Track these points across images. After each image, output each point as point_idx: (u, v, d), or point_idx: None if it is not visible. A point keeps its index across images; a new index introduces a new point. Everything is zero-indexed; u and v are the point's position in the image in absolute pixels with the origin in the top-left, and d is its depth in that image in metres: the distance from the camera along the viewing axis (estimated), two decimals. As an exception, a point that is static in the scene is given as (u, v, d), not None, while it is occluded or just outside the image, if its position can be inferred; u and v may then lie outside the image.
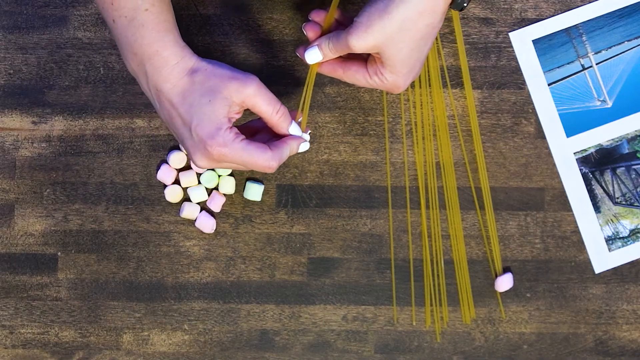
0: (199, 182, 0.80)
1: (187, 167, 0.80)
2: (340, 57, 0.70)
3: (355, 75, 0.69)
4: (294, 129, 0.68)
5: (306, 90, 0.71)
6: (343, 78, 0.70)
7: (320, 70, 0.71)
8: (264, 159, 0.65)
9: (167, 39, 0.65)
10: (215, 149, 0.64)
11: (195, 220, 0.80)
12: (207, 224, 0.79)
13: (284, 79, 0.80)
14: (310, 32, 0.70)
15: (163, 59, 0.65)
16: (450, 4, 0.66)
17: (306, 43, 0.70)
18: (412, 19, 0.64)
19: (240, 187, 0.80)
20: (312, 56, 0.69)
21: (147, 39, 0.65)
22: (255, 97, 0.65)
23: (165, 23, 0.66)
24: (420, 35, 0.65)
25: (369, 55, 0.69)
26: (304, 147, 0.70)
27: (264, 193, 0.80)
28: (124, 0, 0.64)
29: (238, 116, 0.66)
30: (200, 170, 0.80)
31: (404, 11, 0.64)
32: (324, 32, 0.70)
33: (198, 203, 0.80)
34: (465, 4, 0.66)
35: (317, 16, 0.71)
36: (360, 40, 0.65)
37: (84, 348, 0.80)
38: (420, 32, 0.65)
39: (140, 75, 0.66)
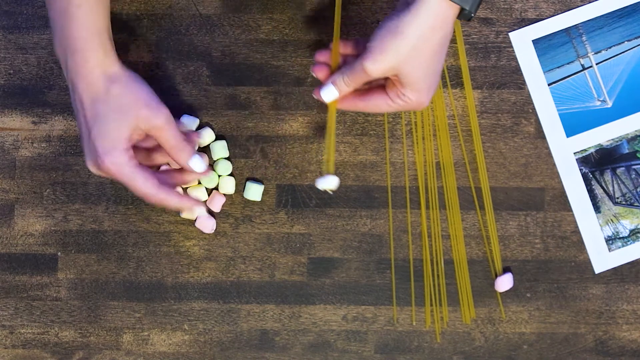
0: (199, 182, 0.80)
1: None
2: (357, 90, 0.69)
3: (377, 104, 0.69)
4: (194, 163, 0.69)
5: (329, 132, 0.71)
6: (365, 109, 0.70)
7: (341, 107, 0.70)
8: (145, 187, 0.67)
9: (93, 39, 0.66)
10: (105, 164, 0.65)
11: (195, 220, 0.79)
12: (207, 224, 0.79)
13: (284, 79, 0.80)
14: (319, 73, 0.70)
15: (84, 58, 0.66)
16: (459, 15, 0.66)
17: (321, 83, 0.70)
18: (426, 36, 0.64)
19: (240, 187, 0.80)
20: (329, 94, 0.69)
21: (74, 34, 0.66)
22: (161, 130, 0.67)
23: (96, 23, 0.66)
24: (435, 49, 0.65)
25: (386, 80, 0.68)
26: (199, 212, 0.74)
27: (264, 193, 0.80)
28: None
29: (139, 139, 0.68)
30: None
31: (417, 29, 0.63)
32: (334, 70, 0.70)
33: (198, 203, 0.80)
34: (472, 14, 0.66)
35: (322, 56, 0.71)
36: (376, 64, 0.65)
37: (84, 348, 0.80)
38: (435, 46, 0.65)
39: (62, 64, 0.68)
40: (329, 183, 0.71)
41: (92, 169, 0.67)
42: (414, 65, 0.65)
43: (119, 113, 0.66)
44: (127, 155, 0.66)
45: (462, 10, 0.65)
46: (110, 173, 0.66)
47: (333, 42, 0.71)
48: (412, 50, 0.64)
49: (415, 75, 0.65)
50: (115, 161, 0.65)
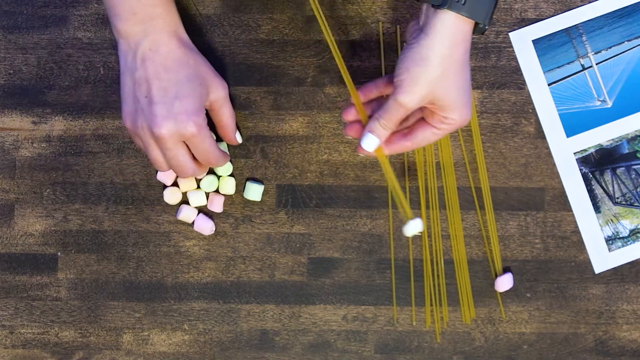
0: (198, 186, 0.80)
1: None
2: (398, 132, 0.69)
3: (425, 136, 0.68)
4: (238, 137, 0.77)
5: (391, 181, 0.70)
6: (415, 146, 0.69)
7: (389, 151, 0.70)
8: (212, 147, 0.71)
9: (170, 5, 0.69)
10: (190, 125, 0.68)
11: (192, 223, 0.79)
12: (205, 227, 0.79)
13: (284, 79, 0.80)
14: (352, 132, 0.70)
15: (166, 23, 0.68)
16: (474, 30, 0.66)
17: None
18: (449, 55, 0.64)
19: (240, 187, 0.80)
20: (370, 143, 0.68)
21: (153, 0, 0.67)
22: (225, 100, 0.73)
23: None
24: (461, 64, 0.65)
25: (423, 111, 0.68)
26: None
27: (264, 193, 0.80)
28: None
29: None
30: (199, 176, 0.80)
31: (440, 51, 0.63)
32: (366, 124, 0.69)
33: (196, 207, 0.80)
34: (486, 27, 0.65)
35: (350, 115, 0.71)
36: (411, 95, 0.64)
37: (84, 348, 0.80)
38: (460, 61, 0.65)
39: (132, 36, 0.68)
40: (414, 227, 0.69)
41: (169, 130, 0.68)
42: (446, 87, 0.65)
43: (200, 79, 0.69)
44: (205, 117, 0.69)
45: (476, 24, 0.65)
46: (193, 133, 0.68)
47: (352, 97, 0.70)
48: (441, 73, 0.64)
49: (451, 96, 0.65)
50: (199, 122, 0.68)
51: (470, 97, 0.68)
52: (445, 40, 0.63)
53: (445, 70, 0.64)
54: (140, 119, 0.68)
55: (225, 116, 0.74)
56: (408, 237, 0.79)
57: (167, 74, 0.68)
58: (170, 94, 0.67)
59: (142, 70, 0.68)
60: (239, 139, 0.78)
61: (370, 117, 0.70)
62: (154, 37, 0.68)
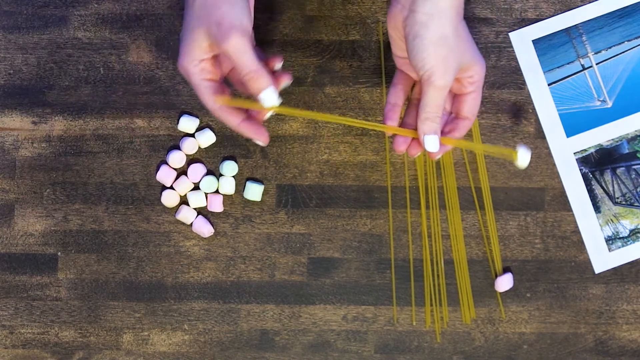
0: (198, 187, 0.80)
1: (184, 173, 0.80)
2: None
3: (468, 105, 0.68)
4: (265, 96, 0.65)
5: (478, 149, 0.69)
6: (472, 119, 0.68)
7: (456, 137, 0.68)
8: (205, 100, 0.66)
9: None
10: (178, 66, 0.66)
11: (191, 224, 0.79)
12: (203, 229, 0.79)
13: (284, 79, 0.80)
14: (402, 146, 0.68)
15: None
16: None
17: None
18: (454, 16, 0.64)
19: (240, 187, 0.80)
20: (432, 142, 0.66)
21: None
22: (230, 56, 0.64)
23: None
24: (461, 17, 0.65)
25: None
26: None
27: (264, 193, 0.80)
28: None
29: (207, 56, 0.66)
30: (195, 180, 0.80)
31: (447, 19, 0.63)
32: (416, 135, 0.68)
33: (195, 208, 0.80)
34: None
35: (391, 120, 0.69)
36: (447, 75, 0.63)
37: (84, 348, 0.80)
38: (460, 14, 0.65)
39: None
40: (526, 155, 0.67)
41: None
42: (463, 48, 0.65)
43: (196, 21, 0.65)
44: (198, 65, 0.65)
45: None
46: (182, 75, 0.66)
47: (390, 131, 0.68)
48: (456, 38, 0.63)
49: (469, 52, 0.65)
50: (185, 66, 0.65)
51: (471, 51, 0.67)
52: (443, 2, 0.63)
53: (457, 33, 0.64)
54: None
55: (238, 69, 0.64)
56: (408, 237, 0.79)
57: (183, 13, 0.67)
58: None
59: None
60: (268, 99, 0.65)
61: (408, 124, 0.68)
62: None
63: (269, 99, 0.65)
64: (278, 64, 0.69)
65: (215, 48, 0.65)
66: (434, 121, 0.65)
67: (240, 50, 0.63)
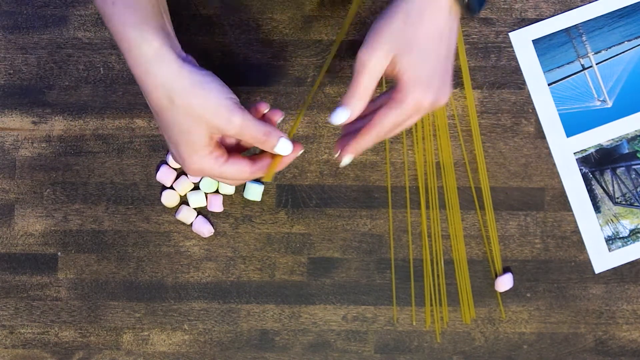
0: (198, 187, 0.80)
1: (184, 173, 0.80)
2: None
3: (382, 118, 0.61)
4: (280, 148, 0.62)
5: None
6: (377, 134, 0.62)
7: (358, 145, 0.62)
8: (239, 178, 0.63)
9: (146, 31, 0.60)
10: (190, 171, 0.61)
11: (191, 224, 0.79)
12: (203, 229, 0.79)
13: (284, 79, 0.80)
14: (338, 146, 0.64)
15: (139, 54, 0.60)
16: (462, 10, 0.62)
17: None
18: (421, 11, 0.58)
19: (240, 187, 0.80)
20: (340, 115, 0.61)
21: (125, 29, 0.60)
22: (237, 135, 0.61)
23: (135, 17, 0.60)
24: (438, 34, 0.59)
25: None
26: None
27: (264, 193, 0.80)
28: None
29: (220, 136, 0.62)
30: (195, 180, 0.80)
31: (408, 5, 0.58)
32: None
33: (195, 208, 0.80)
34: (477, 10, 0.61)
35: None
36: (372, 50, 0.58)
37: (84, 348, 0.80)
38: (437, 30, 0.59)
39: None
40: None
41: (190, 173, 0.62)
42: (411, 55, 0.58)
43: (189, 121, 0.59)
44: (211, 157, 0.61)
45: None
46: (201, 175, 0.62)
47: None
48: (405, 29, 0.58)
49: (414, 67, 0.58)
50: (199, 166, 0.61)
51: (445, 82, 0.61)
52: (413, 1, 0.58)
53: (414, 30, 0.58)
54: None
55: (249, 141, 0.62)
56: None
57: (157, 117, 0.61)
58: (168, 138, 0.61)
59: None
60: (285, 149, 0.62)
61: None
62: (135, 77, 0.61)
63: (285, 148, 0.62)
64: (278, 118, 0.65)
65: (217, 134, 0.60)
66: (351, 97, 0.60)
67: (246, 125, 0.60)
